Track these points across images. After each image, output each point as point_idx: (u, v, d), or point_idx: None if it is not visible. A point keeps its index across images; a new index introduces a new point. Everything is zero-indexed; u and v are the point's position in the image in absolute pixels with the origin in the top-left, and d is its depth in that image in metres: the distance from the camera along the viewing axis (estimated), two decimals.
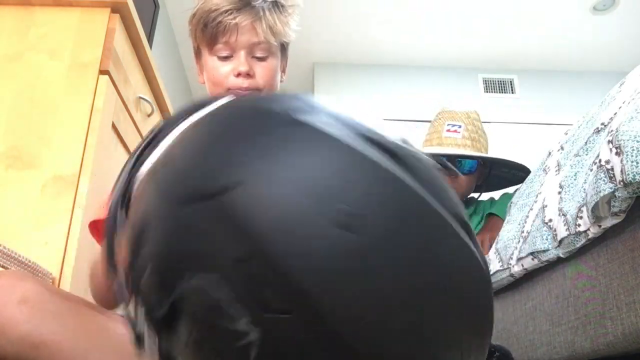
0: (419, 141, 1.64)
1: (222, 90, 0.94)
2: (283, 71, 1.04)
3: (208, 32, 0.93)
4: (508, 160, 1.48)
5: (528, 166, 1.49)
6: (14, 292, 0.55)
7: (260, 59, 0.94)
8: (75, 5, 1.30)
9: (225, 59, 0.94)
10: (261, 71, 0.94)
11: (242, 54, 0.92)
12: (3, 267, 0.83)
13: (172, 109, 1.76)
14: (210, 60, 0.95)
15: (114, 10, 1.31)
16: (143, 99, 1.49)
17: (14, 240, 1.06)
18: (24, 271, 0.62)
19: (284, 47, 1.00)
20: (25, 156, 1.16)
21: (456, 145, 1.49)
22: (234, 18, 0.90)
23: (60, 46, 1.27)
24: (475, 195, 1.60)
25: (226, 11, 0.90)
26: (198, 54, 1.00)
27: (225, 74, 0.93)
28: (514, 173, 1.55)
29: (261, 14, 0.92)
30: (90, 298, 0.75)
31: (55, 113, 1.21)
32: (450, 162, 1.47)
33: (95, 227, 0.84)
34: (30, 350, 0.53)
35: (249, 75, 0.93)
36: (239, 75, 0.92)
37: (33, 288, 0.56)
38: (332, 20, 3.17)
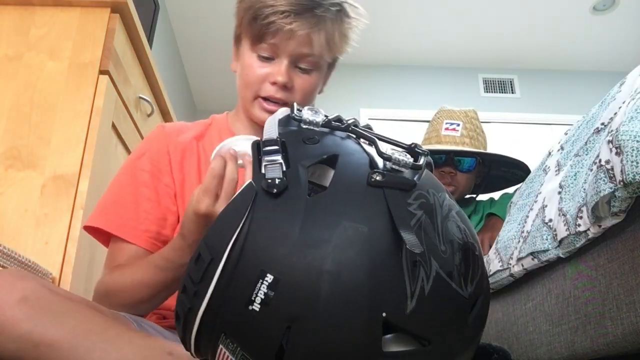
0: (418, 140, 1.64)
1: (252, 94, 0.85)
2: (324, 83, 0.94)
3: (256, 28, 0.81)
4: (506, 156, 1.48)
5: (527, 164, 1.49)
6: (14, 291, 0.54)
7: (304, 71, 0.84)
8: (75, 5, 1.30)
9: (265, 59, 0.83)
10: (302, 84, 0.83)
11: (285, 62, 0.81)
12: (3, 267, 0.83)
13: (172, 109, 1.76)
14: (248, 57, 0.84)
15: (114, 10, 1.31)
16: (143, 99, 1.49)
17: (14, 240, 1.06)
18: (23, 270, 0.62)
19: (332, 65, 0.90)
20: (25, 156, 1.16)
21: (455, 143, 1.48)
22: (291, 23, 0.78)
23: (60, 46, 1.27)
24: (474, 195, 1.60)
25: (283, 12, 0.78)
26: (238, 39, 0.89)
27: (261, 77, 0.83)
28: (513, 172, 1.55)
29: (322, 24, 0.80)
30: (89, 296, 0.75)
31: (55, 113, 1.20)
32: (449, 161, 1.48)
33: (96, 229, 0.83)
34: (30, 349, 0.53)
35: (285, 87, 0.82)
36: (274, 84, 0.82)
37: (33, 287, 0.56)
38: None
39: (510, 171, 1.55)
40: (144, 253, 0.77)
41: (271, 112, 0.83)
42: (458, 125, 1.51)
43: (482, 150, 1.51)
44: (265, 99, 0.84)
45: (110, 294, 0.72)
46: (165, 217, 0.81)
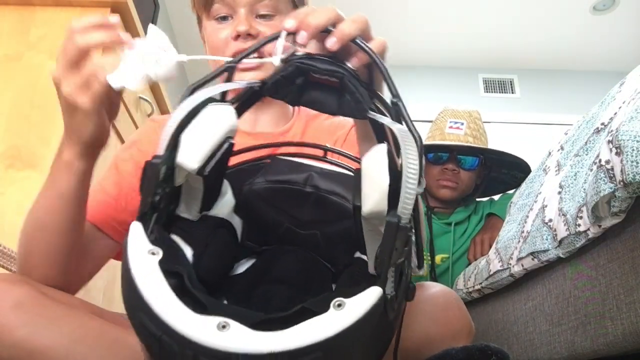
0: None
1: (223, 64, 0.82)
2: None
3: None
4: (508, 153, 1.49)
5: (528, 163, 1.50)
6: (8, 297, 0.53)
7: (266, 18, 0.80)
8: (75, 5, 1.30)
9: (223, 20, 0.80)
10: (267, 31, 0.78)
11: (241, 12, 0.78)
12: (3, 267, 0.83)
13: (172, 109, 1.76)
14: (209, 26, 0.82)
15: (114, 10, 1.31)
16: (143, 99, 1.49)
17: (14, 240, 1.06)
18: (17, 275, 0.61)
19: (295, 6, 0.85)
20: (25, 156, 1.16)
21: (458, 141, 1.50)
22: None
23: (60, 46, 1.27)
24: (472, 196, 1.60)
25: None
26: (199, 22, 0.88)
27: (225, 39, 0.79)
28: (513, 174, 1.55)
29: None
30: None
31: (55, 113, 1.20)
32: (453, 158, 1.49)
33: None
34: (25, 356, 0.52)
35: (250, 35, 0.77)
36: (238, 37, 0.78)
37: (27, 292, 0.55)
38: None
39: (510, 173, 1.55)
40: (96, 229, 0.73)
41: (248, 70, 0.78)
42: (462, 124, 1.52)
43: (486, 147, 1.52)
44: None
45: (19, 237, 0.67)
46: None
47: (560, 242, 0.76)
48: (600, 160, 0.65)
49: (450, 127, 1.53)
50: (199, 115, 0.44)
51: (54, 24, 1.29)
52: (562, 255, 0.79)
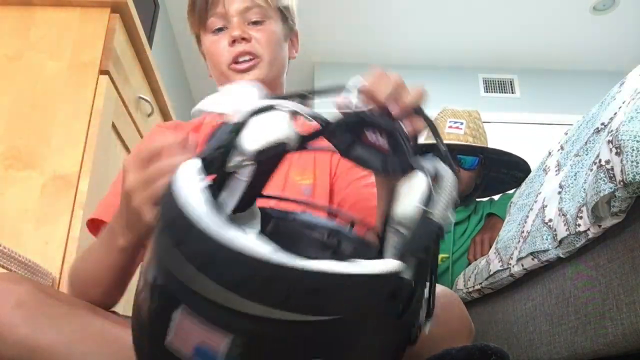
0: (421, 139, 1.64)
1: (222, 67, 0.88)
2: (293, 45, 0.98)
3: (197, 8, 0.89)
4: (508, 152, 1.49)
5: (528, 162, 1.50)
6: (9, 296, 0.54)
7: (257, 23, 0.89)
8: (75, 5, 1.30)
9: (220, 31, 0.88)
10: (258, 35, 0.88)
11: (234, 20, 0.87)
12: (3, 267, 0.83)
13: (171, 109, 1.76)
14: (206, 40, 0.90)
15: (114, 10, 1.31)
16: (143, 99, 1.49)
17: (14, 240, 1.06)
18: (19, 274, 0.61)
19: (284, 16, 0.93)
20: (25, 156, 1.16)
21: (458, 140, 1.50)
22: None
23: (60, 46, 1.27)
24: (472, 196, 1.60)
25: None
26: (198, 40, 0.96)
27: (222, 46, 0.88)
28: (513, 174, 1.55)
29: None
30: None
31: (55, 113, 1.20)
32: (452, 158, 1.49)
33: (94, 225, 0.82)
34: (27, 355, 0.52)
35: (244, 39, 0.87)
36: (234, 42, 0.87)
37: (28, 291, 0.55)
38: (332, 20, 3.17)
39: (510, 173, 1.55)
40: None
41: (246, 70, 0.87)
42: (462, 124, 1.52)
43: (485, 146, 1.52)
44: (235, 63, 0.88)
45: (70, 278, 0.70)
46: None
47: (560, 242, 0.77)
48: (600, 160, 0.65)
49: (450, 127, 1.53)
50: (271, 112, 0.48)
51: (54, 24, 1.29)
52: (562, 255, 0.79)
